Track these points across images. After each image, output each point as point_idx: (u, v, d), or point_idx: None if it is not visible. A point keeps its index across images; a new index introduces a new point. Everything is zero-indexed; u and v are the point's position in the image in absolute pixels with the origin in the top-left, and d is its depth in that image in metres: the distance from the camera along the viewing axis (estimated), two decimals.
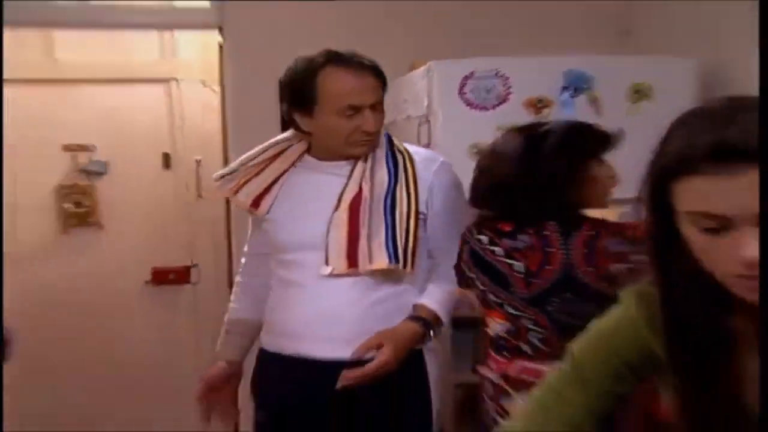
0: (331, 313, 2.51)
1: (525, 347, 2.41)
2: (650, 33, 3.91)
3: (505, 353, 2.46)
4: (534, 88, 3.26)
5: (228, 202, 3.91)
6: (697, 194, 1.13)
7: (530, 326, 2.41)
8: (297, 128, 2.59)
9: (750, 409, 1.26)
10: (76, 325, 4.51)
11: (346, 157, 2.58)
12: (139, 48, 4.82)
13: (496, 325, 2.51)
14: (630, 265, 2.28)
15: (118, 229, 4.82)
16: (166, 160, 4.70)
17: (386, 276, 2.52)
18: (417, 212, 2.54)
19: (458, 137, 3.22)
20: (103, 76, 4.74)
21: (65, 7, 4.13)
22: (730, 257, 1.12)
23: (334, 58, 2.49)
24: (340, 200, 2.55)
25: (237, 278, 2.86)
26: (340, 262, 2.49)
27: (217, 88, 4.21)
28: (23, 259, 4.43)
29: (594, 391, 1.33)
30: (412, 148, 2.73)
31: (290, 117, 2.60)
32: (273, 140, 2.69)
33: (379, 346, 2.43)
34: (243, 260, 2.85)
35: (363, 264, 2.47)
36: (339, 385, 2.42)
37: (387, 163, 2.62)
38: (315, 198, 2.57)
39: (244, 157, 2.67)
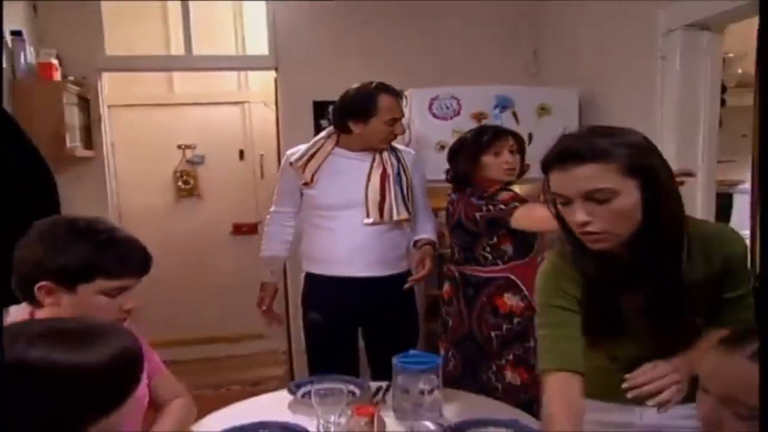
0: (365, 247, 2.64)
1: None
2: (550, 72, 3.96)
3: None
4: (476, 106, 3.32)
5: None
6: (554, 182, 1.34)
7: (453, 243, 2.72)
8: (344, 131, 2.67)
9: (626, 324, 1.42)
10: (185, 258, 4.70)
11: (372, 149, 2.69)
12: (225, 82, 4.99)
13: None
14: (483, 212, 2.51)
15: (211, 198, 5.00)
16: (241, 155, 4.85)
17: (397, 222, 2.67)
18: (411, 184, 2.73)
19: (428, 138, 3.30)
20: (202, 101, 4.93)
21: (179, 57, 4.23)
22: (572, 221, 1.33)
23: (383, 88, 2.63)
24: (370, 175, 2.66)
25: (267, 229, 2.88)
26: (375, 214, 2.62)
27: (273, 107, 4.25)
28: (153, 218, 4.68)
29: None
30: (398, 146, 2.84)
31: (343, 123, 2.66)
32: (315, 139, 2.77)
33: (423, 260, 2.64)
34: (272, 217, 2.86)
35: (389, 215, 2.63)
36: (407, 286, 2.65)
37: (390, 154, 2.74)
38: (348, 175, 2.66)
39: (303, 149, 2.74)
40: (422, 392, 1.78)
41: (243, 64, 4.61)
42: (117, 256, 1.41)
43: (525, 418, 1.80)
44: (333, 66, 3.85)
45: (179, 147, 4.96)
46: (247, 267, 4.32)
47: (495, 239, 2.55)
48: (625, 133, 1.37)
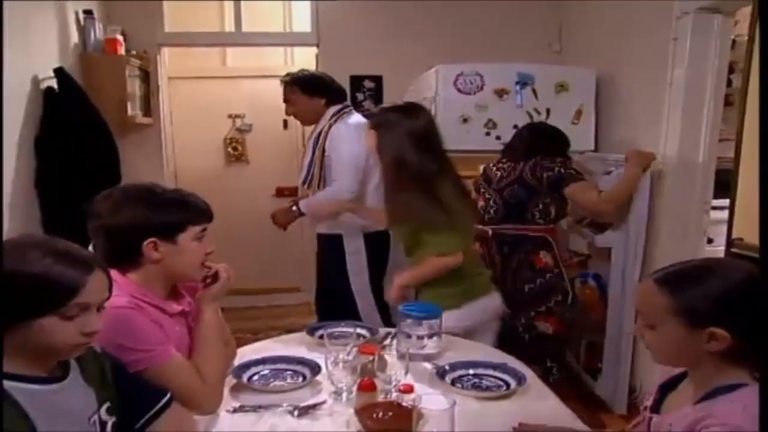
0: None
1: None
2: (570, 52, 3.97)
3: None
4: (499, 82, 3.33)
5: None
6: None
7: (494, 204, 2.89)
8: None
9: None
10: (232, 217, 4.63)
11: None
12: (272, 57, 4.99)
13: None
14: (552, 173, 2.71)
15: (257, 163, 5.03)
16: (285, 124, 4.82)
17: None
18: (322, 156, 2.86)
19: (452, 111, 3.31)
20: (252, 74, 4.94)
21: (231, 34, 4.37)
22: None
23: None
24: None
25: None
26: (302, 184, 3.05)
27: None
28: (205, 180, 4.65)
29: None
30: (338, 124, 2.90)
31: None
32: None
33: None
34: None
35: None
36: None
37: (317, 134, 2.95)
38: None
39: None
40: (422, 337, 1.85)
41: (288, 40, 4.68)
42: (196, 206, 1.58)
43: (515, 363, 1.86)
44: (368, 43, 3.91)
45: (230, 116, 5.02)
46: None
47: (548, 200, 2.69)
48: None
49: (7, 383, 1.02)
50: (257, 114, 5.00)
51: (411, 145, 2.09)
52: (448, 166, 2.18)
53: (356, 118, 2.92)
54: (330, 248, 2.97)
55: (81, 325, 1.08)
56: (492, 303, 2.30)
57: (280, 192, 4.99)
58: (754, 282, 1.09)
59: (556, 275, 2.74)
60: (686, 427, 1.05)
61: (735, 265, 1.18)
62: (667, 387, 1.26)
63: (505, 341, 2.50)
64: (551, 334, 2.77)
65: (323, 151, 2.82)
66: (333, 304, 2.95)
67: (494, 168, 2.91)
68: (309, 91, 2.88)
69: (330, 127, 2.85)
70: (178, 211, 1.54)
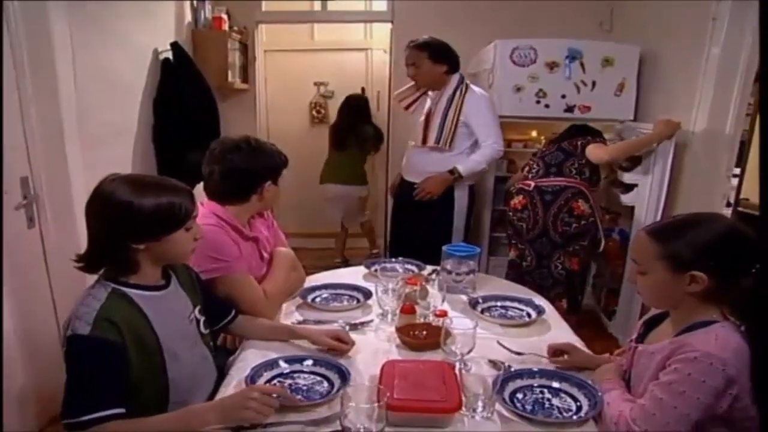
0: (413, 162, 2.98)
1: None
2: (618, 29, 3.85)
3: None
4: (550, 56, 3.32)
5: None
6: None
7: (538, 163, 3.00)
8: None
9: None
10: (315, 173, 4.59)
11: (431, 90, 2.94)
12: (353, 31, 5.03)
13: None
14: (584, 141, 2.93)
15: None
16: (363, 91, 4.89)
17: (433, 147, 2.85)
18: (458, 120, 2.81)
19: (508, 82, 3.34)
20: (335, 47, 5.04)
21: (318, 12, 4.45)
22: None
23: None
24: (424, 112, 2.92)
25: None
26: (419, 141, 2.92)
27: (388, 53, 4.40)
28: (292, 138, 4.77)
29: None
30: (473, 87, 2.87)
31: None
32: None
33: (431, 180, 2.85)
34: None
35: (426, 143, 2.88)
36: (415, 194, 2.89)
37: (445, 95, 2.85)
38: (420, 111, 2.96)
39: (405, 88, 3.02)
40: (460, 273, 1.98)
41: (367, 17, 4.72)
42: (283, 155, 1.79)
43: (539, 299, 1.95)
44: (436, 21, 3.90)
45: (315, 84, 5.16)
46: None
47: (583, 161, 2.86)
48: None
49: (128, 290, 1.25)
50: (339, 82, 5.09)
51: None
52: None
53: (478, 88, 2.96)
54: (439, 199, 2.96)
55: (194, 233, 1.33)
56: None
57: None
58: (731, 233, 1.16)
59: (591, 223, 2.84)
60: (667, 354, 1.14)
61: (718, 218, 1.23)
62: (650, 323, 1.34)
63: (551, 277, 2.91)
64: (576, 271, 2.94)
65: (459, 114, 2.82)
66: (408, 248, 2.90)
67: (547, 137, 3.12)
68: (435, 57, 2.82)
69: (463, 93, 2.84)
70: (278, 158, 1.75)
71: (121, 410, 1.12)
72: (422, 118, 2.91)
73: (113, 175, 1.25)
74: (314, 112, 5.23)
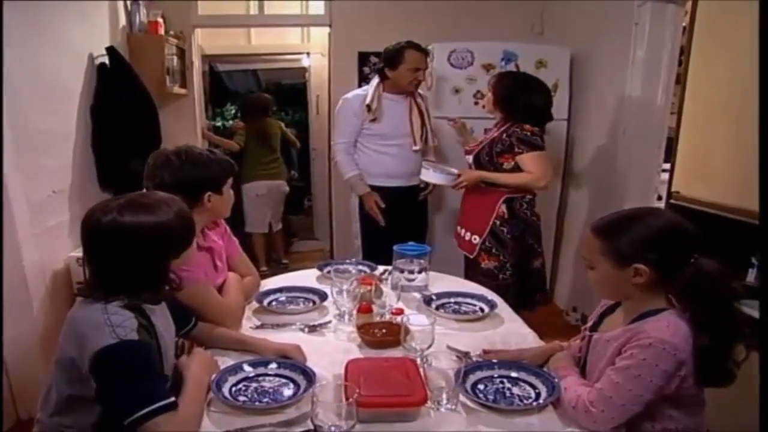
0: (410, 165, 2.93)
1: None
2: (549, 32, 3.96)
3: None
4: (486, 58, 3.39)
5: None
6: None
7: None
8: (382, 77, 2.86)
9: None
10: None
11: (404, 92, 2.88)
12: (290, 35, 5.04)
13: None
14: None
15: None
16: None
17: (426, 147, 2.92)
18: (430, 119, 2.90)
19: (446, 84, 3.39)
20: (273, 51, 5.06)
21: (255, 16, 4.40)
22: None
23: (411, 45, 2.81)
24: (411, 113, 2.89)
25: (339, 158, 2.96)
26: (420, 142, 2.89)
27: (327, 57, 4.31)
28: None
29: None
30: (420, 91, 2.96)
31: (381, 69, 2.86)
32: (371, 85, 2.91)
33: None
34: (339, 147, 2.95)
35: (426, 142, 2.92)
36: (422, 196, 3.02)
37: (418, 97, 2.93)
38: (395, 112, 2.89)
39: (360, 92, 2.94)
40: (412, 272, 1.98)
41: (304, 21, 4.68)
42: (230, 163, 1.75)
43: (490, 294, 1.98)
44: (374, 24, 3.92)
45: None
46: None
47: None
48: None
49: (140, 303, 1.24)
50: None
51: None
52: None
53: None
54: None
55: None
56: None
57: None
58: (670, 227, 1.21)
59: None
60: (623, 341, 1.19)
61: (658, 212, 1.29)
62: (605, 313, 1.40)
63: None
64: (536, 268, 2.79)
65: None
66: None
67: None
68: None
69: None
70: (222, 168, 1.69)
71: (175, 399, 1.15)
72: (416, 118, 2.92)
73: (103, 206, 1.21)
74: None
